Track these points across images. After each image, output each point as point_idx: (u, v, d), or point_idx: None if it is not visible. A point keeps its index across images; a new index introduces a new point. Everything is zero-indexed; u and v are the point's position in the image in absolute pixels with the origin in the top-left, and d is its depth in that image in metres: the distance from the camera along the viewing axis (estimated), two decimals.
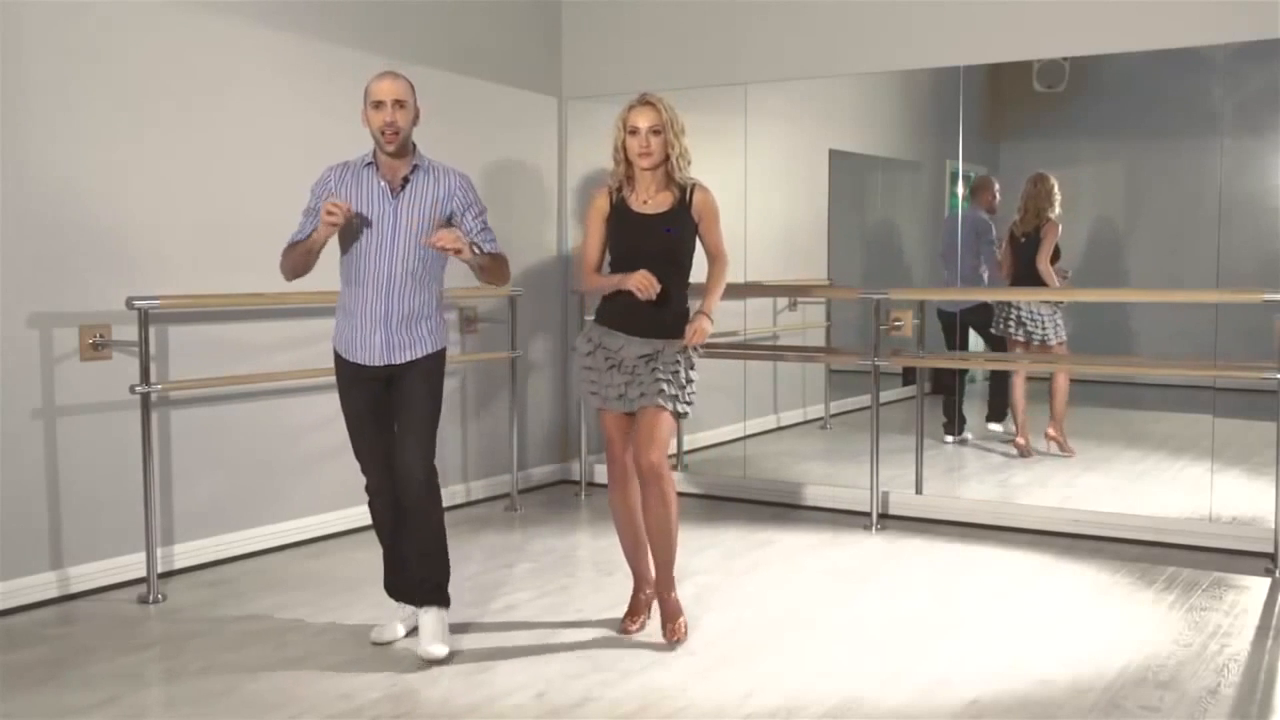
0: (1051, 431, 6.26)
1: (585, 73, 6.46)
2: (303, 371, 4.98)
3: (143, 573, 4.35)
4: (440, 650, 3.61)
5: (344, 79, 5.20)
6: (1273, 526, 4.68)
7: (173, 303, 4.47)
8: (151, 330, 4.39)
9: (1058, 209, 6.09)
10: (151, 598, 4.28)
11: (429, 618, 3.68)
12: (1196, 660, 3.63)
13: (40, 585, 4.23)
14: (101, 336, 4.35)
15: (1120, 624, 4.02)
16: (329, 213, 3.46)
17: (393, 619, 3.87)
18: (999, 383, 6.60)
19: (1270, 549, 4.68)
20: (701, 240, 3.91)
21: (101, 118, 4.37)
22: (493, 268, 3.74)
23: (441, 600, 3.73)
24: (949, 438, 6.49)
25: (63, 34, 4.24)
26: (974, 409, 6.72)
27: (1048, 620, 4.09)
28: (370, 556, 4.75)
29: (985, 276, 6.30)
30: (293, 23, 5.03)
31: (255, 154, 4.89)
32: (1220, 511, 5.16)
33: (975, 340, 6.50)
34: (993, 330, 6.36)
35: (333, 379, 5.04)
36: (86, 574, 4.36)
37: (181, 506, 4.67)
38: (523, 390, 6.10)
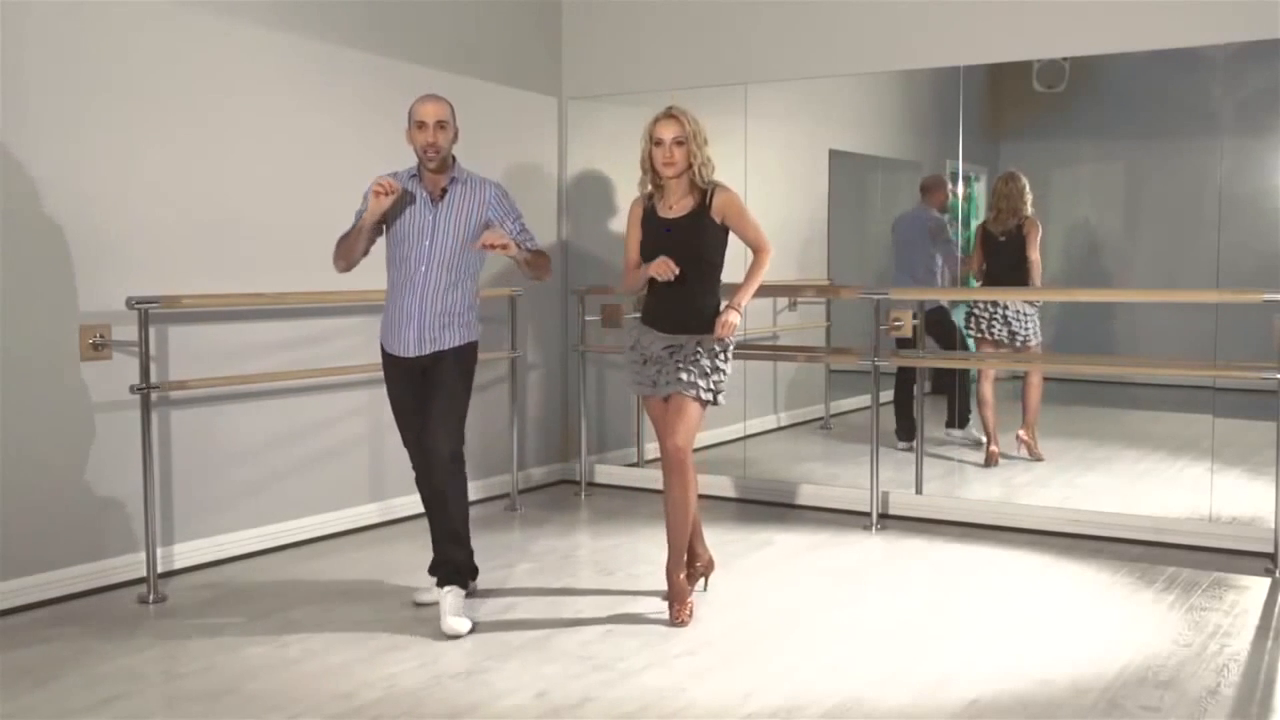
0: (1023, 434, 6.22)
1: (585, 73, 6.46)
2: (303, 371, 4.98)
3: (143, 573, 4.35)
4: (461, 626, 3.87)
5: (344, 79, 5.22)
6: (1273, 526, 4.68)
7: (173, 303, 4.47)
8: (151, 330, 4.39)
9: (1030, 206, 6.06)
10: (151, 598, 4.28)
11: (449, 597, 3.96)
12: (1196, 660, 3.63)
13: (40, 585, 4.23)
14: (101, 336, 4.35)
15: (1120, 624, 4.03)
16: (379, 185, 3.82)
17: (430, 592, 4.12)
18: (962, 387, 6.44)
19: (1270, 549, 4.68)
20: (738, 236, 4.15)
21: (101, 118, 4.37)
22: (537, 263, 4.11)
23: (460, 582, 4.03)
24: (901, 444, 6.32)
25: (63, 34, 4.24)
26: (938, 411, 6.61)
27: (1048, 620, 4.09)
28: (370, 555, 4.77)
29: (943, 276, 6.26)
30: (292, 23, 5.03)
31: (255, 154, 4.89)
32: (1220, 511, 5.16)
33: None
34: (969, 330, 6.27)
35: (333, 378, 5.12)
36: (86, 574, 4.36)
37: (181, 506, 4.67)
38: (523, 390, 6.10)
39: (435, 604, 4.02)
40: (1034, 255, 6.02)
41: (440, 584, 4.03)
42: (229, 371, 4.75)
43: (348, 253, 4.03)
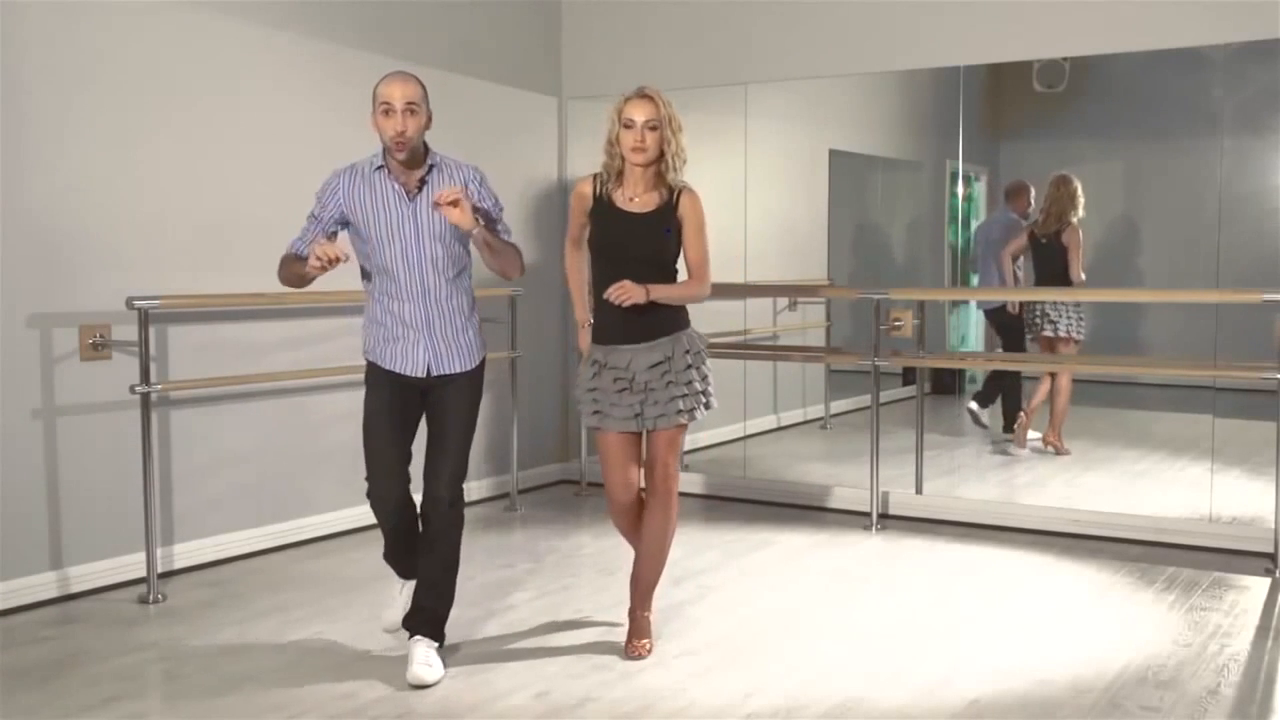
0: (1050, 436, 6.26)
1: (585, 73, 6.46)
2: (303, 372, 4.98)
3: (143, 573, 4.35)
4: (430, 676, 3.44)
5: (344, 78, 5.21)
6: (1273, 526, 4.68)
7: (173, 303, 4.47)
8: (151, 330, 4.39)
9: (1081, 211, 6.06)
10: (151, 598, 4.28)
11: (421, 648, 3.50)
12: (1196, 660, 3.63)
13: (40, 585, 4.23)
14: (101, 336, 4.35)
15: (1120, 624, 4.02)
16: (317, 258, 3.26)
17: (394, 602, 3.72)
18: (1009, 378, 6.52)
19: (1270, 549, 4.68)
20: (684, 249, 3.71)
21: (101, 118, 4.37)
22: (502, 250, 3.53)
23: (436, 635, 3.57)
24: (976, 406, 6.50)
25: (63, 34, 4.24)
26: (997, 408, 6.66)
27: (1048, 620, 4.09)
28: (370, 555, 4.75)
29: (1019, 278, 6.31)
30: (292, 22, 5.03)
31: (255, 154, 4.89)
32: (1220, 511, 5.15)
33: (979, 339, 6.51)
34: (1029, 336, 6.32)
35: (333, 378, 5.10)
36: (86, 574, 4.36)
37: (181, 506, 4.67)
38: (523, 390, 6.09)
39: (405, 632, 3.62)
40: (1073, 270, 6.01)
41: (411, 633, 3.55)
42: (229, 371, 4.75)
43: (291, 283, 3.55)
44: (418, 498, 3.68)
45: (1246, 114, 5.35)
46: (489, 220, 3.56)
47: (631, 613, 3.80)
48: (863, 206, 7.28)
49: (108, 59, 4.39)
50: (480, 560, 4.82)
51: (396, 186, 3.48)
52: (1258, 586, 4.46)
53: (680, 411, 3.63)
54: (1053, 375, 6.17)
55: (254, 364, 4.86)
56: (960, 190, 6.22)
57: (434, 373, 3.53)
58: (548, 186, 6.48)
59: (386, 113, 3.39)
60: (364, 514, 5.24)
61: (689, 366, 3.66)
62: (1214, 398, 5.44)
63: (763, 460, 6.49)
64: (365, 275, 3.63)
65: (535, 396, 6.37)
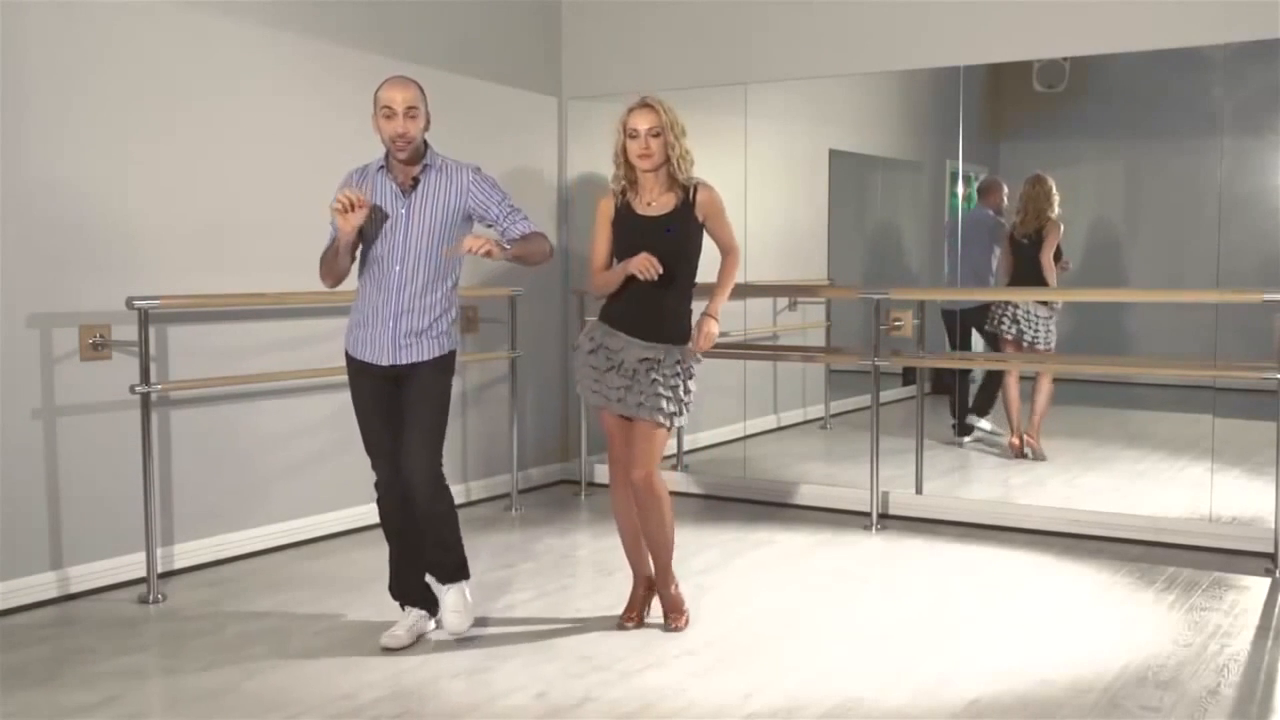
0: (1028, 436, 6.27)
1: (585, 73, 6.46)
2: (302, 371, 4.98)
3: (143, 573, 4.35)
4: (464, 624, 3.74)
5: (343, 78, 5.22)
6: (1273, 526, 4.68)
7: (173, 303, 4.47)
8: (151, 330, 4.39)
9: (1057, 209, 6.11)
10: (151, 598, 4.28)
11: (452, 594, 3.79)
12: (1196, 660, 3.63)
13: (40, 585, 4.23)
14: (101, 336, 4.35)
15: (1120, 624, 4.02)
16: (340, 200, 3.49)
17: (401, 624, 3.82)
18: (991, 380, 6.56)
19: (1270, 549, 4.68)
20: (711, 236, 3.95)
21: (101, 118, 4.37)
22: (528, 253, 3.76)
23: (463, 574, 3.84)
24: (964, 439, 6.52)
25: (63, 34, 4.25)
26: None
27: (1048, 620, 4.09)
28: (370, 555, 4.75)
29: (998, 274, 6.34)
30: (292, 22, 5.03)
31: (255, 154, 4.90)
32: (1220, 511, 5.15)
33: (979, 340, 6.52)
34: (986, 328, 6.37)
35: (333, 379, 5.09)
36: (86, 574, 4.36)
37: (181, 506, 4.67)
38: (523, 390, 6.09)
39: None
40: (1044, 258, 6.07)
41: (442, 581, 3.82)
42: (229, 371, 4.75)
43: (332, 270, 3.72)
44: None
45: (1246, 114, 5.34)
46: (509, 239, 3.78)
47: (661, 595, 3.99)
48: (863, 206, 7.28)
49: (108, 59, 4.39)
50: (480, 560, 4.81)
51: (394, 186, 3.71)
52: (1258, 586, 4.46)
53: (661, 411, 3.78)
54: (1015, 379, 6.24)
55: (254, 364, 4.86)
56: (960, 190, 6.22)
57: (394, 362, 3.70)
58: (548, 187, 6.48)
59: (388, 116, 3.63)
60: (364, 514, 5.26)
61: (677, 375, 3.83)
62: (1214, 398, 5.43)
63: (763, 460, 6.49)
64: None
65: (535, 396, 6.38)
